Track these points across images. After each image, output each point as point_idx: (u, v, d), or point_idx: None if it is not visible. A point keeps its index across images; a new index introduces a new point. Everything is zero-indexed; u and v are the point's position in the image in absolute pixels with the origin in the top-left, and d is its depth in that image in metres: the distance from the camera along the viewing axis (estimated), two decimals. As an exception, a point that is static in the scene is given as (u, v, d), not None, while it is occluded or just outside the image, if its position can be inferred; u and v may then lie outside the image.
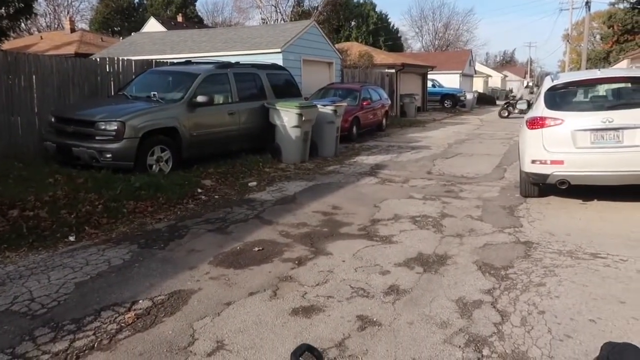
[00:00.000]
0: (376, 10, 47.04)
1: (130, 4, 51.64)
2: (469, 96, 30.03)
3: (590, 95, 7.27)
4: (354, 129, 13.40)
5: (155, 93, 8.37)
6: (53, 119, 8.01)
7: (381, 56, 25.46)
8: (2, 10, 18.01)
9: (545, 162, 6.05)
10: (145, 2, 53.20)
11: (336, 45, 21.86)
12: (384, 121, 16.29)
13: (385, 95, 17.14)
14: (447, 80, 34.01)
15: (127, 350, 2.93)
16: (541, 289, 3.74)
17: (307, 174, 8.59)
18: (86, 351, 2.92)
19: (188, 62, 10.60)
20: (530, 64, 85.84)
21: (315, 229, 5.36)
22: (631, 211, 5.93)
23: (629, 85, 6.72)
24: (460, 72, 36.52)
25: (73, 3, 48.93)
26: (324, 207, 6.29)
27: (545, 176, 6.11)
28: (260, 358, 2.86)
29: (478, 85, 44.01)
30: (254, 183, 7.65)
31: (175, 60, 12.21)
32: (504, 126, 17.97)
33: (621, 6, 39.00)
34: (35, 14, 25.47)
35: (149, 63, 11.02)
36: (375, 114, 15.29)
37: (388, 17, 49.50)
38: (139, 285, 3.84)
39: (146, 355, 2.88)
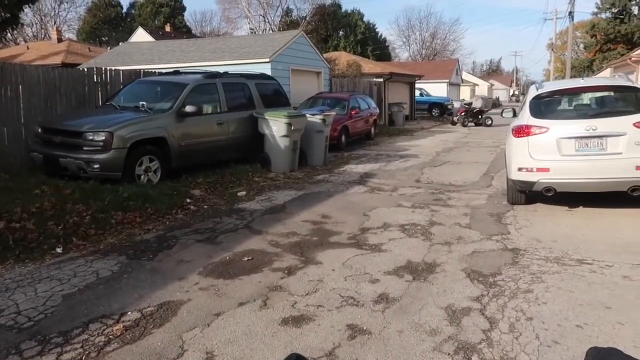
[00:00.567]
0: (364, 20, 47.55)
1: (118, 14, 51.58)
2: (457, 104, 30.32)
3: (574, 103, 7.40)
4: (343, 137, 13.49)
5: (144, 103, 8.35)
6: (40, 130, 7.94)
7: (369, 65, 25.65)
8: (-12, 21, 17.91)
9: (531, 170, 6.12)
10: (133, 12, 53.18)
11: (324, 55, 22.00)
12: (372, 130, 16.41)
13: (373, 104, 17.26)
14: (435, 89, 34.37)
15: (116, 362, 2.91)
16: (529, 295, 3.78)
17: (296, 183, 8.60)
18: (74, 364, 2.89)
19: (176, 72, 10.61)
20: (516, 73, 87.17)
21: (305, 238, 5.36)
22: (616, 217, 6.01)
23: (612, 93, 6.85)
24: (448, 80, 36.96)
25: (60, 13, 48.80)
26: (314, 216, 6.30)
27: (532, 184, 6.19)
28: (250, 368, 2.85)
29: (465, 94, 44.49)
30: (243, 193, 7.64)
31: (163, 70, 12.22)
32: (491, 134, 18.15)
33: (603, 16, 39.83)
34: (22, 24, 25.42)
35: (137, 73, 10.98)
36: (364, 122, 15.40)
37: (376, 26, 50.09)
38: (127, 296, 3.81)
39: (135, 368, 2.86)
